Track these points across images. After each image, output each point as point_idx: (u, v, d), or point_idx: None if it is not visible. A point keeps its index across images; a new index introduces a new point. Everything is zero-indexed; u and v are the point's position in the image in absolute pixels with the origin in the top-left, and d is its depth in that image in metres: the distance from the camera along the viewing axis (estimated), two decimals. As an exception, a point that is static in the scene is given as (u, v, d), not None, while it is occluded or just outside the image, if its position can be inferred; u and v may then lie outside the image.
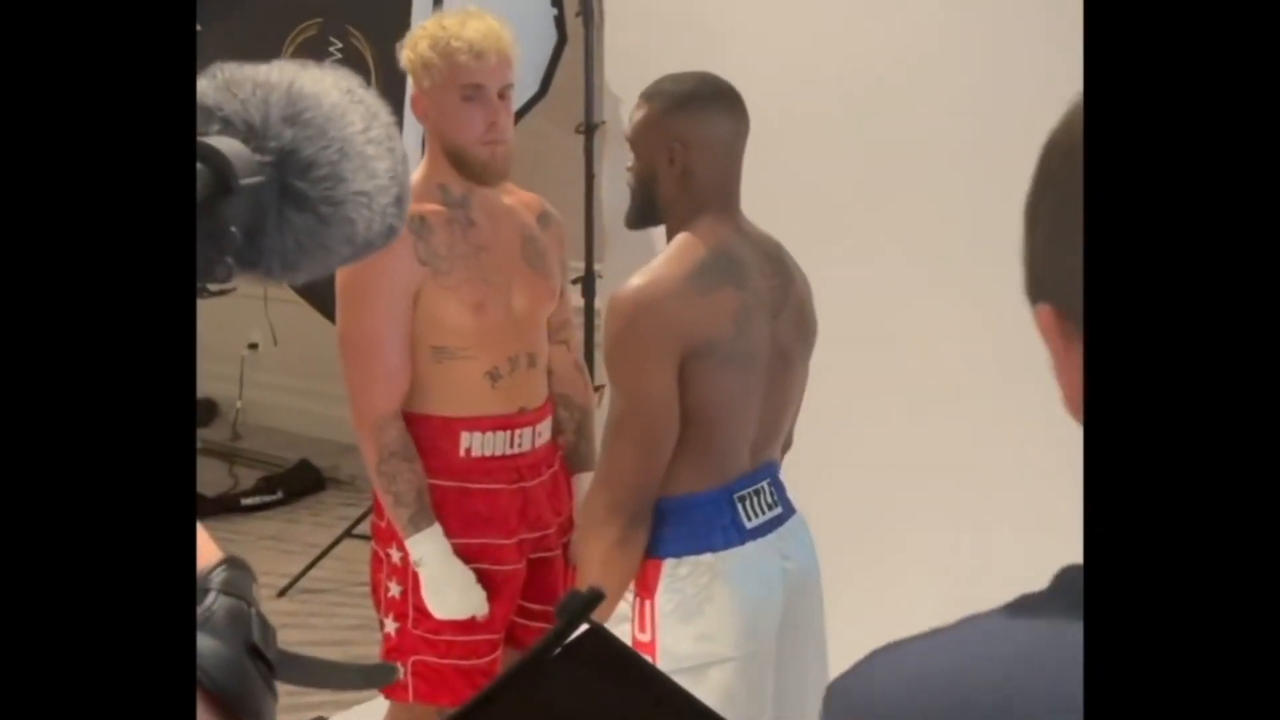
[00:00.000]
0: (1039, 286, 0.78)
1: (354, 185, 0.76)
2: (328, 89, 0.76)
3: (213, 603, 0.73)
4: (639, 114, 2.28)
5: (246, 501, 5.14)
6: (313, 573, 4.39)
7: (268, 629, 0.75)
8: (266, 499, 5.18)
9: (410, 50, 2.51)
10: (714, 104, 2.27)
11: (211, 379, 5.72)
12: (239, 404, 5.84)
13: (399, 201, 0.80)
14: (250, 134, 0.73)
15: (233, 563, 0.75)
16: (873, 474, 3.48)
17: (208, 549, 0.76)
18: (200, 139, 0.71)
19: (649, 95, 2.29)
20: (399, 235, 0.81)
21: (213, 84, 0.75)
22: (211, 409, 6.06)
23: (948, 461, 3.40)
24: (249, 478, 5.39)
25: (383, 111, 0.80)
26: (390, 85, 3.20)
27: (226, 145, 0.71)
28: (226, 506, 5.04)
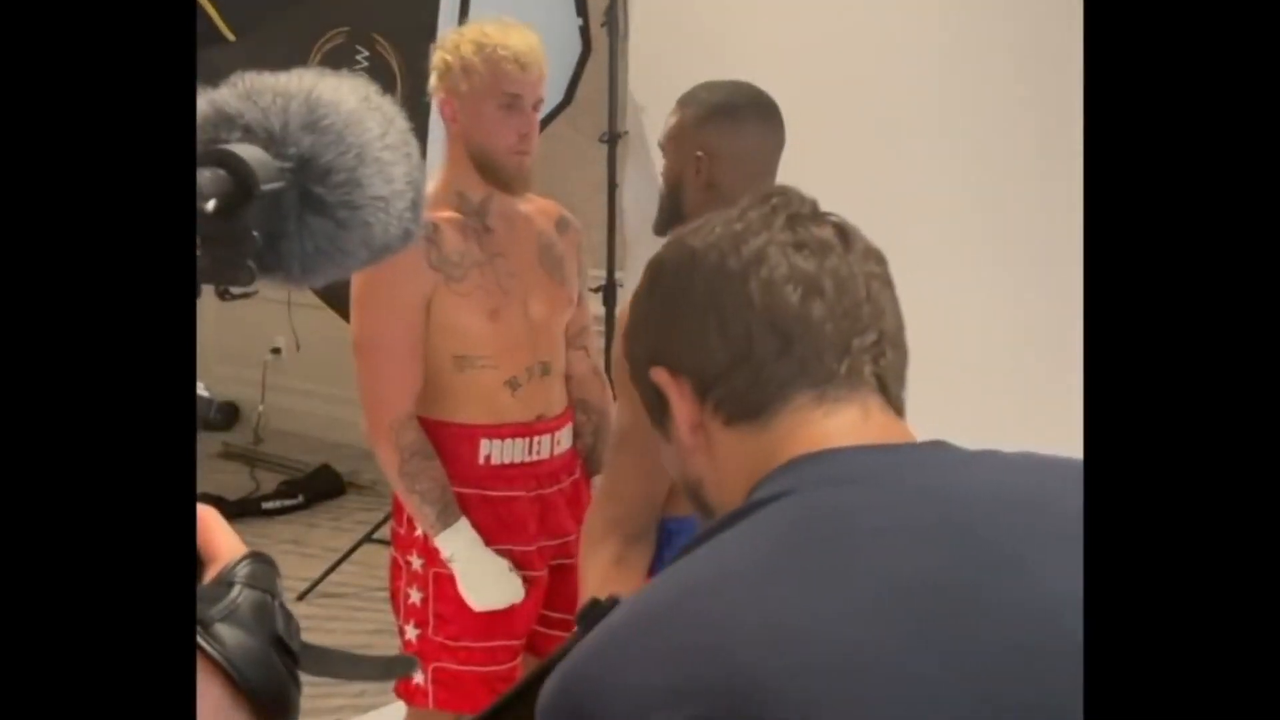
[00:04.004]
0: (654, 355, 1.07)
1: (371, 190, 0.77)
2: (345, 96, 0.77)
3: (237, 596, 0.74)
4: (671, 120, 2.26)
5: (267, 505, 5.16)
6: (332, 577, 4.40)
7: (291, 622, 0.76)
8: (287, 503, 5.20)
9: (450, 53, 2.50)
10: (746, 116, 2.23)
11: (234, 383, 5.76)
12: (261, 408, 5.87)
13: (414, 206, 0.81)
14: (270, 141, 0.74)
15: (257, 557, 0.76)
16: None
17: (233, 544, 0.77)
18: (222, 146, 0.72)
19: (683, 102, 2.26)
20: (415, 239, 0.82)
21: (234, 92, 0.76)
22: (234, 413, 6.09)
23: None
24: (270, 481, 5.41)
25: (399, 118, 0.81)
26: (416, 93, 3.22)
27: (248, 152, 0.72)
28: (247, 510, 5.06)
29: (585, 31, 4.05)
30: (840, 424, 1.00)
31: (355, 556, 4.47)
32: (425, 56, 2.61)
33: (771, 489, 0.95)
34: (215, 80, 0.77)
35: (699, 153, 2.21)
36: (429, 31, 3.41)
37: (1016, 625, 0.83)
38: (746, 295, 1.03)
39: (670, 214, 2.27)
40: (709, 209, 2.21)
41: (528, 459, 2.58)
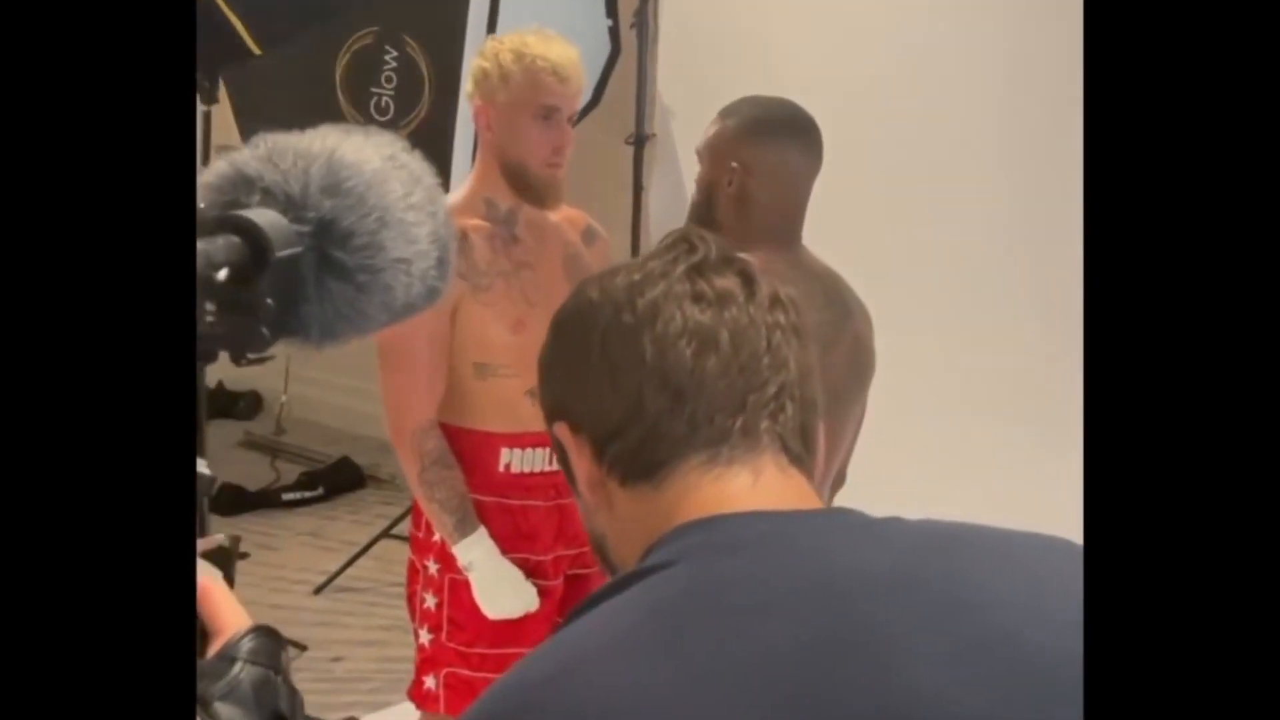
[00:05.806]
0: (556, 410, 1.06)
1: (393, 253, 0.76)
2: (369, 156, 0.76)
3: (239, 672, 0.73)
4: (712, 128, 2.27)
5: (287, 496, 5.17)
6: (349, 571, 4.41)
7: (295, 696, 0.75)
8: (307, 494, 5.21)
9: (489, 61, 2.48)
10: (785, 133, 2.24)
11: (257, 373, 5.77)
12: (284, 398, 5.88)
13: (441, 264, 0.80)
14: (290, 205, 0.73)
15: (261, 630, 0.76)
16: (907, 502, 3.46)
17: (237, 617, 0.76)
18: (237, 213, 0.71)
19: (725, 112, 2.27)
20: (441, 295, 0.81)
21: (255, 154, 0.75)
22: (256, 402, 6.11)
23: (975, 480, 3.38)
24: (290, 472, 5.42)
25: (426, 175, 0.80)
26: (444, 95, 3.21)
27: (263, 218, 0.71)
28: (267, 501, 5.08)
29: (615, 32, 4.04)
30: (731, 488, 0.98)
31: (373, 551, 4.47)
32: (454, 57, 2.60)
33: (657, 558, 0.93)
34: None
35: (733, 163, 2.22)
36: (458, 32, 3.40)
37: (870, 714, 0.80)
38: (639, 351, 1.01)
39: (699, 221, 2.28)
40: (738, 219, 2.25)
41: (548, 468, 2.58)
